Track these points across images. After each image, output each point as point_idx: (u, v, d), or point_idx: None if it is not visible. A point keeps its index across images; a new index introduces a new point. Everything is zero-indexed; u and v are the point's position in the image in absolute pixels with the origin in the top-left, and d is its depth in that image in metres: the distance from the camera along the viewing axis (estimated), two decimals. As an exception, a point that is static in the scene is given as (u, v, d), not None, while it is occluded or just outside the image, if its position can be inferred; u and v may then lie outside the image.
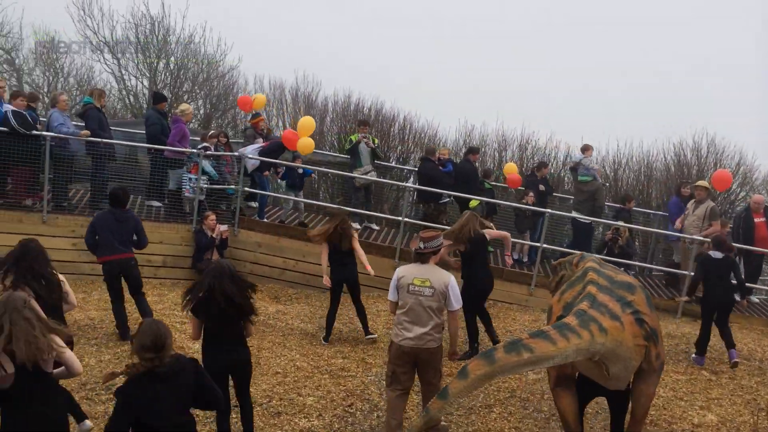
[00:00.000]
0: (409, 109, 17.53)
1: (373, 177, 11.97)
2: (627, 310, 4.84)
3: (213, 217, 10.07)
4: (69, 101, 13.21)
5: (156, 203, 10.99)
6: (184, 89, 19.13)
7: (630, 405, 5.24)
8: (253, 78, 25.11)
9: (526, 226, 11.75)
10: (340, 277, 8.21)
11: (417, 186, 11.92)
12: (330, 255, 8.16)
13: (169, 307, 8.75)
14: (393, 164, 16.00)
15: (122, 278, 7.69)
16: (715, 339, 9.32)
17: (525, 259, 11.78)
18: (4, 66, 18.87)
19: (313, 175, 11.73)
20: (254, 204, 11.37)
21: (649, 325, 4.90)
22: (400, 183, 13.54)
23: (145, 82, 19.23)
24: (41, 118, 10.59)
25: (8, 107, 9.60)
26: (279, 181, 12.64)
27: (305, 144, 10.63)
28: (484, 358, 4.53)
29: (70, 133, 9.95)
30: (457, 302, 5.62)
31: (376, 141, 12.67)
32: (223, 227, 10.06)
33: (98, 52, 18.83)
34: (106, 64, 19.08)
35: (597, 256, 6.18)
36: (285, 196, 12.70)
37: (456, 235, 7.80)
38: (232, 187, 10.90)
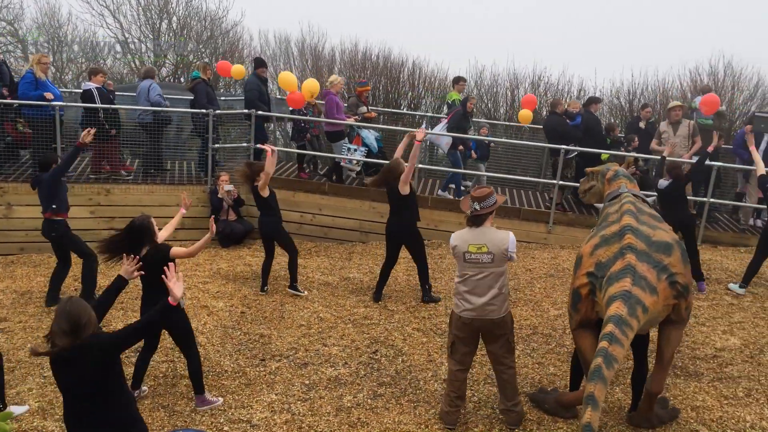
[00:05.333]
0: (417, 54, 17.29)
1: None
2: (662, 275, 4.83)
3: (224, 177, 10.09)
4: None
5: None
6: (189, 48, 18.96)
7: (658, 349, 5.24)
8: (257, 32, 24.83)
9: None
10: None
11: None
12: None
13: (191, 268, 8.89)
14: (404, 111, 15.85)
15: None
16: (737, 263, 9.30)
17: None
18: (8, 38, 18.77)
19: (492, 144, 11.38)
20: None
21: (681, 284, 4.91)
22: (413, 129, 13.39)
23: (149, 45, 19.07)
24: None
25: (91, 85, 10.03)
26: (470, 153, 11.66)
27: (309, 87, 10.56)
28: (600, 381, 4.46)
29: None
30: (514, 258, 5.17)
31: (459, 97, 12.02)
32: (228, 187, 10.01)
33: (99, 16, 18.69)
34: (108, 29, 18.94)
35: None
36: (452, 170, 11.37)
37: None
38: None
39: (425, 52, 20.98)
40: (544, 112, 15.55)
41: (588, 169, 6.58)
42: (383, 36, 25.30)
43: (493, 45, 19.16)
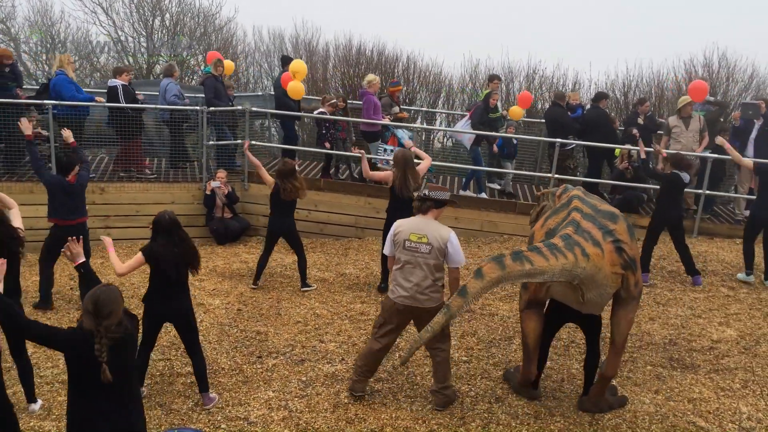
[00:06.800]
0: (411, 48, 17.24)
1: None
2: (608, 238, 4.90)
3: (220, 174, 10.03)
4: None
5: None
6: (182, 45, 18.87)
7: (611, 332, 5.28)
8: (251, 29, 24.77)
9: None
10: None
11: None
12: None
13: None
14: (400, 106, 15.78)
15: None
16: (732, 254, 9.32)
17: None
18: (0, 36, 18.66)
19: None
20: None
21: (628, 254, 4.96)
22: (411, 125, 13.37)
23: (143, 41, 18.98)
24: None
25: (117, 82, 10.12)
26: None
27: (294, 89, 10.48)
28: (496, 262, 4.69)
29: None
30: (458, 259, 5.28)
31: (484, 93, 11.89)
32: (215, 183, 9.91)
33: (92, 13, 18.59)
34: (102, 26, 18.84)
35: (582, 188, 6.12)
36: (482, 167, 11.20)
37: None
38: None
39: (420, 46, 21.01)
40: (540, 106, 15.56)
41: (538, 192, 6.65)
42: (378, 31, 25.23)
43: (489, 40, 19.15)
